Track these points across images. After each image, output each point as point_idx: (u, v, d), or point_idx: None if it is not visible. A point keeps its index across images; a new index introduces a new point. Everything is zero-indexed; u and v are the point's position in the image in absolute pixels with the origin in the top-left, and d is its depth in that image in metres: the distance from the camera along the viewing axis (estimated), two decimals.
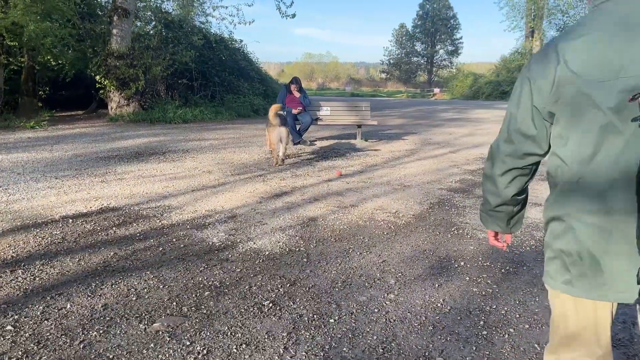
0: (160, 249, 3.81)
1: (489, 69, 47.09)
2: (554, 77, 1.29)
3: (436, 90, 47.03)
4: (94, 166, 7.25)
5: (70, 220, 4.49)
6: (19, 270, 3.33)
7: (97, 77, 13.52)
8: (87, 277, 3.25)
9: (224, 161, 7.87)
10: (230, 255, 3.70)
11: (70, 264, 3.47)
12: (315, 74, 73.53)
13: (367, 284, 3.22)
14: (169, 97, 15.26)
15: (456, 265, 3.57)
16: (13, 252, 3.67)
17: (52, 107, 15.26)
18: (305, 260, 3.62)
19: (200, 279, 3.26)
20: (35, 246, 3.81)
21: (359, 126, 10.58)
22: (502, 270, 3.49)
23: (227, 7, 24.91)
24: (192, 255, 3.69)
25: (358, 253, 3.79)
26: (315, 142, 10.18)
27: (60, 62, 13.72)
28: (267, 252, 3.78)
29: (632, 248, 1.21)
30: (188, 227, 4.40)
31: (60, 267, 3.40)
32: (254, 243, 3.99)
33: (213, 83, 16.57)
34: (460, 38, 63.62)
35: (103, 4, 16.16)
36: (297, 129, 9.86)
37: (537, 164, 1.48)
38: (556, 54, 1.29)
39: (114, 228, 4.31)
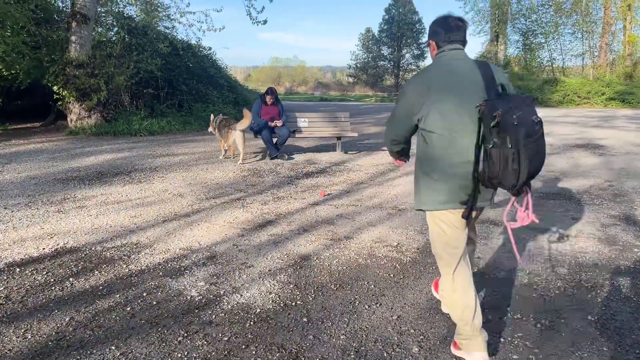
0: (128, 308, 3.15)
1: None
2: None
3: None
4: (51, 191, 6.48)
5: (18, 270, 3.77)
6: None
7: (55, 88, 12.57)
8: (34, 359, 2.57)
9: (196, 181, 7.19)
10: (214, 316, 3.06)
11: (14, 338, 2.77)
12: (283, 78, 72.85)
13: (385, 355, 2.64)
14: (134, 107, 14.39)
15: (484, 320, 3.02)
16: None
17: (6, 119, 14.21)
18: (305, 319, 3.02)
19: (179, 354, 2.62)
20: None
21: (339, 138, 10.04)
22: (537, 325, 2.97)
23: (194, 12, 23.83)
24: (167, 317, 3.04)
25: (366, 306, 3.21)
26: (294, 156, 9.57)
27: (13, 71, 12.69)
28: (258, 309, 3.16)
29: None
30: (161, 273, 3.74)
31: (1, 345, 2.71)
32: (241, 296, 3.36)
33: (180, 92, 15.78)
34: (426, 42, 63.95)
35: (60, 9, 15.16)
36: (274, 143, 9.27)
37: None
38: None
39: (70, 279, 3.61)
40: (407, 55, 64.30)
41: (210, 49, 18.62)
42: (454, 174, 2.39)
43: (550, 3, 36.74)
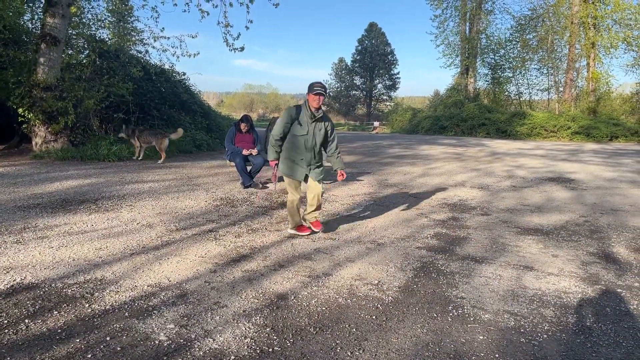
0: (89, 355, 2.88)
1: (423, 102, 48.17)
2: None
3: (376, 123, 47.37)
4: (9, 219, 6.11)
5: None
6: None
7: (20, 110, 12.13)
8: None
9: (166, 210, 6.92)
10: None
11: None
12: (256, 105, 73.11)
13: None
14: (103, 131, 14.02)
15: None
16: None
17: None
18: None
19: None
20: None
21: None
22: None
23: (168, 38, 23.64)
24: None
25: (348, 353, 3.01)
26: (268, 185, 9.38)
27: None
28: (232, 356, 2.92)
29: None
30: (126, 314, 3.47)
31: None
32: (214, 340, 3.12)
33: (152, 117, 15.45)
34: (398, 73, 65.20)
35: (30, 29, 14.78)
36: (248, 171, 9.07)
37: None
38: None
39: (26, 320, 3.31)
40: (380, 86, 65.33)
41: (184, 74, 18.40)
42: None
43: (517, 39, 38.04)
